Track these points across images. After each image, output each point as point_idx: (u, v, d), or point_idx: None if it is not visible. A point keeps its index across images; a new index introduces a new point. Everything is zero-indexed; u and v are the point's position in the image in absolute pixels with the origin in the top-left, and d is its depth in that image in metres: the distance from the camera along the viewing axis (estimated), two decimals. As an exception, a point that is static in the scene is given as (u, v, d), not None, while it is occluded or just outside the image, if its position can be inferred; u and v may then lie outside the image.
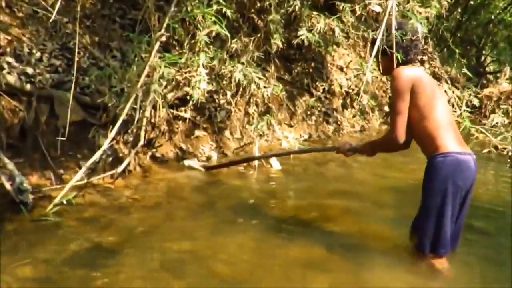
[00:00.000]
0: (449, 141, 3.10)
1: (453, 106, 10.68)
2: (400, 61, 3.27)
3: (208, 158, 5.87)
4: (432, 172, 3.08)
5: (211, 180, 5.24)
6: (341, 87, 9.00)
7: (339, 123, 8.59)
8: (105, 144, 4.30)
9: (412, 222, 3.36)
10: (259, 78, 6.12)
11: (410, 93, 3.13)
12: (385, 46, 3.27)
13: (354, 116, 9.08)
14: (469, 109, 9.84)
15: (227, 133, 6.39)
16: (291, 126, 7.66)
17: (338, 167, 6.18)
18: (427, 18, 8.59)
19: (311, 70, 8.62)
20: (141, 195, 4.49)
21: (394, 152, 3.50)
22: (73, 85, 4.20)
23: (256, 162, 5.68)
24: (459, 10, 14.82)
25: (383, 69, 3.41)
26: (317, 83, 8.63)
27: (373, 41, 3.40)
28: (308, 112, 8.13)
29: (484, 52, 17.02)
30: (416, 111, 3.13)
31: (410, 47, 3.30)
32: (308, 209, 4.52)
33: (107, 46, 5.64)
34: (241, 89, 6.38)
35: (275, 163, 5.80)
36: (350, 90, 9.13)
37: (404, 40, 3.28)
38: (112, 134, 4.36)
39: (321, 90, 8.62)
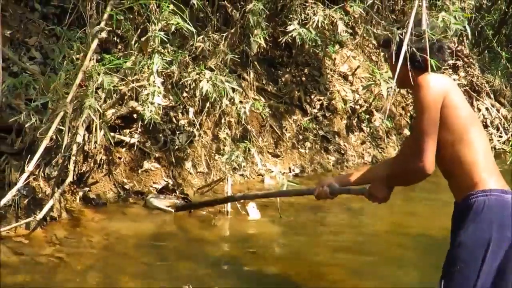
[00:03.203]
0: (490, 176, 3.16)
1: (497, 129, 10.89)
2: (423, 69, 3.36)
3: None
4: (471, 217, 3.12)
5: (167, 230, 5.26)
6: (345, 102, 9.13)
7: (342, 152, 8.70)
8: (20, 181, 4.30)
9: None
10: (234, 90, 6.20)
11: (441, 109, 3.21)
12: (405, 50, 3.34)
13: (363, 143, 9.20)
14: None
15: (188, 165, 6.43)
16: (276, 156, 7.74)
17: (341, 214, 6.26)
18: (463, 9, 8.82)
19: (304, 78, 8.74)
20: (68, 253, 4.47)
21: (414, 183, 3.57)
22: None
23: (229, 207, 5.73)
24: (505, -1, 15.16)
25: (399, 79, 3.45)
26: (312, 97, 8.75)
27: (386, 42, 3.50)
28: (300, 137, 8.23)
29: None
30: (448, 132, 3.19)
31: (435, 50, 3.39)
32: (298, 272, 4.58)
33: (23, 44, 5.67)
34: (208, 105, 6.45)
35: (252, 211, 5.84)
36: (358, 107, 9.27)
37: (423, 41, 3.36)
38: (30, 167, 4.37)
39: (318, 107, 8.74)
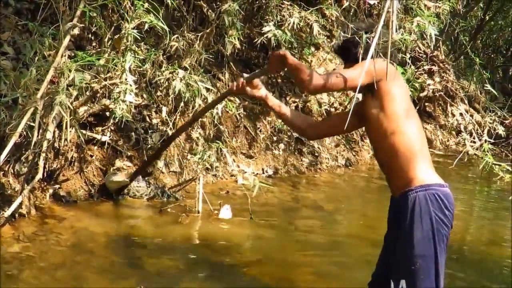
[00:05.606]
0: (426, 170, 3.28)
1: (471, 134, 10.97)
2: None
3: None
4: (416, 212, 3.22)
5: (136, 229, 5.25)
6: (320, 104, 9.16)
7: (316, 154, 8.73)
8: (-12, 177, 4.28)
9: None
10: (208, 90, 6.20)
11: (385, 90, 3.25)
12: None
13: (337, 146, 9.24)
14: (492, 140, 10.16)
15: (160, 164, 6.43)
16: (250, 157, 7.75)
17: (313, 216, 6.28)
18: (438, 15, 8.89)
19: (279, 80, 8.76)
20: (37, 250, 4.45)
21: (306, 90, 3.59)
22: None
23: (200, 207, 5.73)
24: (481, 5, 15.29)
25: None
26: (287, 99, 8.77)
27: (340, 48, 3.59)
28: (275, 138, 8.24)
29: (514, 62, 17.56)
30: (388, 119, 3.27)
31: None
32: (268, 275, 4.62)
33: (-5, 39, 5.64)
34: (182, 104, 6.45)
35: (224, 212, 5.84)
36: (333, 110, 9.30)
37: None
38: (-2, 162, 4.34)
39: (293, 108, 8.75)
